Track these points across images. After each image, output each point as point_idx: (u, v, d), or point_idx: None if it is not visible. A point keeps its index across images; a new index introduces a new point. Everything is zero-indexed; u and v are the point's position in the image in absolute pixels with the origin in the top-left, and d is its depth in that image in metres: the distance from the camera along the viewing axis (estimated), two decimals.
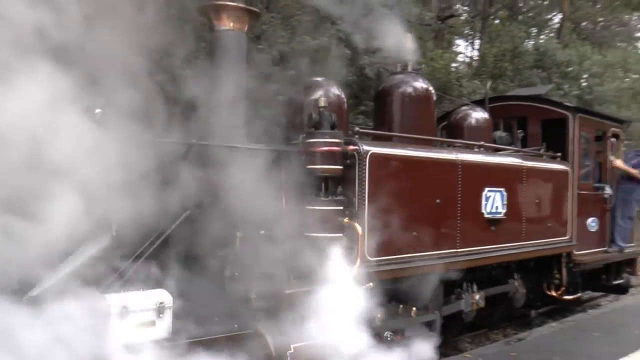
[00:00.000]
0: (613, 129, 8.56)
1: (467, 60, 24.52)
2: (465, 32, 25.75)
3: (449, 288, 5.84)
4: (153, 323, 3.74)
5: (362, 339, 4.55)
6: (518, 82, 16.75)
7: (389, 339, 4.96)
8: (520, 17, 24.60)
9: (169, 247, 4.15)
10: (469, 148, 6.22)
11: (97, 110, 4.34)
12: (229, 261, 4.40)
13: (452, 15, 19.63)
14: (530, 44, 20.52)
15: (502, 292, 6.70)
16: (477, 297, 6.08)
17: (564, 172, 7.30)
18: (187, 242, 4.24)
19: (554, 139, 7.52)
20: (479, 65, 19.58)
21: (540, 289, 7.38)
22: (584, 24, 25.55)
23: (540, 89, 8.79)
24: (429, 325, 5.43)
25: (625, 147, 9.04)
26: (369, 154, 4.83)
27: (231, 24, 4.85)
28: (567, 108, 7.71)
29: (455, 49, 23.90)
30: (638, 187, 8.49)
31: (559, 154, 7.40)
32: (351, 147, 4.78)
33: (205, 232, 4.28)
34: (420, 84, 6.09)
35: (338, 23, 10.18)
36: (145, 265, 3.95)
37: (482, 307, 6.13)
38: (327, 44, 10.28)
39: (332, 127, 4.91)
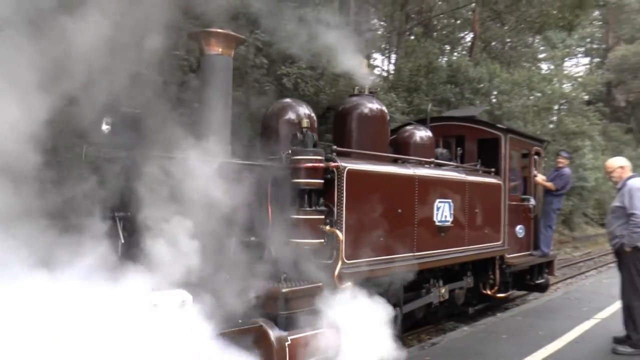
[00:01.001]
0: (536, 147, 9.92)
1: (384, 73, 25.82)
2: (382, 46, 27.17)
3: (415, 285, 6.77)
4: None
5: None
6: (432, 96, 17.51)
7: None
8: (434, 35, 26.21)
9: None
10: (420, 164, 7.16)
11: (105, 126, 4.97)
12: (225, 264, 5.12)
13: (369, 29, 20.75)
14: (443, 60, 21.34)
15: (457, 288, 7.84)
16: (442, 290, 7.19)
17: (498, 186, 8.43)
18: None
19: (487, 155, 8.59)
20: (394, 78, 20.78)
21: (477, 288, 8.44)
22: (493, 43, 26.59)
23: (473, 111, 10.03)
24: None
25: (544, 164, 10.56)
26: (346, 169, 5.62)
27: (220, 49, 5.50)
28: (499, 129, 8.86)
29: (372, 62, 25.11)
30: (555, 198, 9.81)
31: (492, 169, 8.49)
32: (332, 163, 5.55)
33: (205, 239, 4.96)
34: (376, 105, 6.97)
35: (256, 32, 10.81)
36: None
37: (445, 299, 7.21)
38: (244, 52, 10.89)
39: (314, 146, 5.75)
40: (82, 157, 4.98)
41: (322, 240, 5.50)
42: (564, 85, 28.75)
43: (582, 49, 41.16)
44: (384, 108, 7.05)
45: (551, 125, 26.38)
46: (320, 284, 5.26)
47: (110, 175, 4.81)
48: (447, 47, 26.69)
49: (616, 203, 6.54)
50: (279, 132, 6.05)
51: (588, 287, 11.41)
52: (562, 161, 9.86)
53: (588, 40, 40.47)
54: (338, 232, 5.48)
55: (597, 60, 41.84)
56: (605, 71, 36.96)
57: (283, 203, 5.52)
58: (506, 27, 25.09)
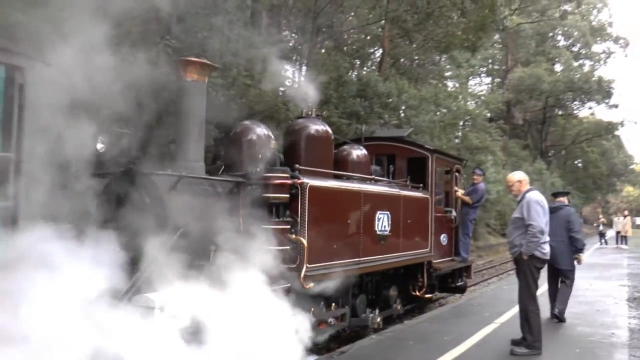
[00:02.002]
0: (456, 165, 11.52)
1: (295, 85, 26.67)
2: (293, 58, 28.16)
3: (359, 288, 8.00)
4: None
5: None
6: (342, 109, 18.13)
7: (332, 323, 7.17)
8: (345, 49, 27.58)
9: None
10: (363, 180, 8.33)
11: (100, 146, 5.88)
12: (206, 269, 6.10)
13: (280, 41, 21.62)
14: (353, 74, 21.91)
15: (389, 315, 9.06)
16: (378, 319, 8.32)
17: (426, 199, 9.81)
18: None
19: (415, 172, 9.95)
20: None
21: (407, 290, 9.80)
22: (402, 60, 27.81)
23: (402, 131, 11.52)
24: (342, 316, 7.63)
25: (463, 180, 12.30)
26: (308, 185, 6.71)
27: (195, 76, 6.43)
28: (427, 150, 10.26)
29: (283, 73, 25.86)
30: (471, 210, 11.45)
31: (420, 184, 9.86)
32: (298, 180, 6.63)
33: (190, 246, 5.93)
34: (322, 126, 8.04)
35: (167, 37, 11.61)
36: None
37: (380, 327, 8.37)
38: (154, 58, 11.62)
39: (281, 165, 6.88)
40: None
41: (289, 247, 6.60)
42: (468, 103, 31.11)
43: (485, 69, 45.07)
44: (328, 129, 8.23)
45: (457, 140, 28.24)
46: (289, 285, 6.38)
47: None
48: (357, 62, 27.77)
49: (516, 214, 7.09)
50: (246, 152, 7.08)
51: (490, 293, 12.40)
52: (477, 178, 11.61)
53: (490, 61, 44.42)
54: (303, 239, 6.61)
55: (498, 80, 45.94)
56: (505, 91, 40.77)
57: (253, 214, 6.57)
58: (414, 45, 25.92)
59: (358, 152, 8.81)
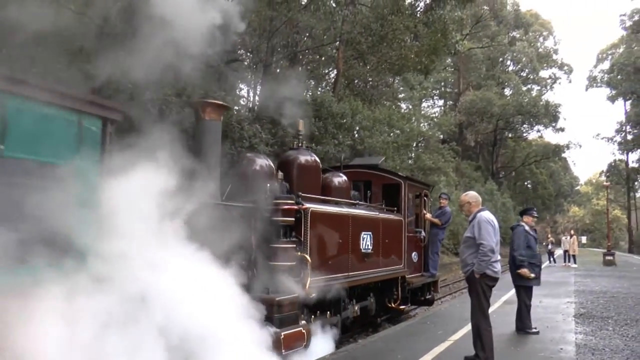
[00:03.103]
0: (425, 190, 13.34)
1: (249, 104, 27.72)
2: (248, 77, 29.27)
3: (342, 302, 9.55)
4: None
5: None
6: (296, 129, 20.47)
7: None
8: (300, 69, 28.84)
9: None
10: (348, 205, 9.87)
11: None
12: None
13: (235, 60, 22.51)
14: (308, 94, 22.75)
15: (365, 306, 10.53)
16: (355, 308, 9.91)
17: (400, 221, 11.46)
18: None
19: (389, 197, 11.66)
20: (259, 110, 20.87)
21: (384, 302, 11.41)
22: (356, 81, 29.60)
23: (375, 160, 13.23)
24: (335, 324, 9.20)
25: (430, 203, 14.20)
26: (310, 210, 8.29)
27: (212, 116, 7.99)
28: (400, 177, 11.97)
29: (238, 92, 26.73)
30: (440, 231, 13.24)
31: (395, 208, 11.53)
32: (302, 206, 8.21)
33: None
34: (311, 157, 9.58)
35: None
36: None
37: (358, 315, 10.02)
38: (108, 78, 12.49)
39: (287, 192, 8.49)
40: None
41: (294, 263, 8.10)
42: (422, 124, 33.24)
43: (438, 92, 47.90)
44: (317, 159, 9.81)
45: (410, 161, 30.27)
46: (297, 294, 7.96)
47: None
48: (312, 82, 28.45)
49: (468, 234, 7.43)
50: (253, 181, 8.63)
51: (443, 311, 12.89)
52: (443, 202, 13.54)
53: (442, 84, 47.30)
54: (307, 256, 8.18)
55: (450, 102, 48.84)
56: (457, 113, 43.52)
57: (263, 235, 8.05)
58: (368, 67, 27.54)
59: (339, 179, 10.28)
